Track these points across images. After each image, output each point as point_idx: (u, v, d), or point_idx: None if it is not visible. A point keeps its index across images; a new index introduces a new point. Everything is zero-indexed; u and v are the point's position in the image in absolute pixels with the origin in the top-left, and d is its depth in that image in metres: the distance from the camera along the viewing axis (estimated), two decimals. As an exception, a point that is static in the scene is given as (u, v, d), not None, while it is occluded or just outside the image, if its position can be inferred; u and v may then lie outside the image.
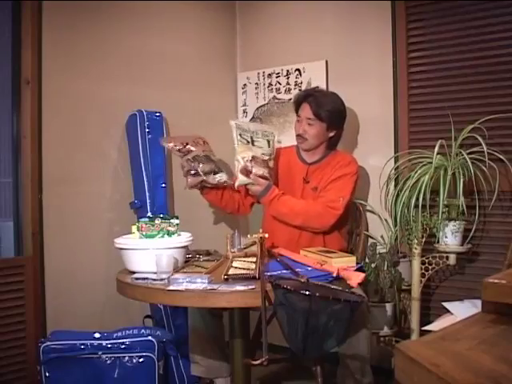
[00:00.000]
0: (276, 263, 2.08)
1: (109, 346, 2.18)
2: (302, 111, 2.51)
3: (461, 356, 0.93)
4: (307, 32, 3.14)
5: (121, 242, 2.05)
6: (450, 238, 2.42)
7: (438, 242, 2.46)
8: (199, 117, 3.21)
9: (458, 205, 2.36)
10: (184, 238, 2.07)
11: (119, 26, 2.85)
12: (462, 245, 2.44)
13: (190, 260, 2.20)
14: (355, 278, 1.85)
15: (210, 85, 3.30)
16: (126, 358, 2.18)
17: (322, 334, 1.62)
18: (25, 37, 2.50)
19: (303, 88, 3.10)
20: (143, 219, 2.09)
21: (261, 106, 3.34)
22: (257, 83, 3.35)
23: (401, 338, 2.56)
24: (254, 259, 2.00)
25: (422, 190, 2.36)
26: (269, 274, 1.82)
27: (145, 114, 2.80)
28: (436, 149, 2.42)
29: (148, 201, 2.76)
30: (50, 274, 2.57)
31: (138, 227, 2.06)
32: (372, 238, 2.82)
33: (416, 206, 2.39)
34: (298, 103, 2.56)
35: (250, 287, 1.75)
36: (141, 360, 2.19)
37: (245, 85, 3.41)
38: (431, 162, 2.41)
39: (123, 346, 2.19)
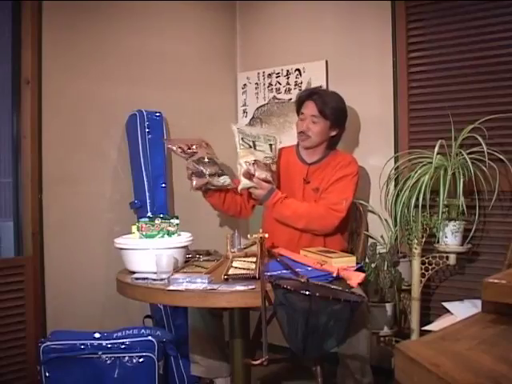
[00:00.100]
0: (276, 263, 2.08)
1: (109, 345, 2.18)
2: (305, 109, 2.51)
3: (461, 356, 0.93)
4: (307, 32, 3.14)
5: (121, 241, 2.05)
6: (450, 238, 2.42)
7: (438, 241, 2.46)
8: (199, 117, 3.21)
9: (458, 205, 2.36)
10: (184, 238, 2.07)
11: (119, 26, 2.85)
12: (462, 245, 2.44)
13: (190, 260, 2.20)
14: (355, 278, 1.85)
15: (210, 85, 3.30)
16: (126, 357, 2.19)
17: (322, 334, 1.62)
18: (25, 37, 2.50)
19: (303, 88, 3.10)
20: (143, 219, 2.09)
21: (261, 106, 3.34)
22: (257, 83, 3.35)
23: (401, 337, 2.56)
24: (254, 259, 2.00)
25: (422, 190, 2.36)
26: (269, 273, 1.82)
27: (145, 113, 2.80)
28: (436, 149, 2.42)
29: (148, 201, 2.76)
30: (50, 274, 2.57)
31: (138, 227, 2.06)
32: (372, 237, 2.82)
33: (416, 206, 2.39)
34: (300, 101, 2.56)
35: (250, 287, 1.75)
36: (141, 360, 2.19)
37: (245, 85, 3.41)
38: (431, 162, 2.41)
39: (123, 346, 2.19)
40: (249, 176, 2.34)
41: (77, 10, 2.66)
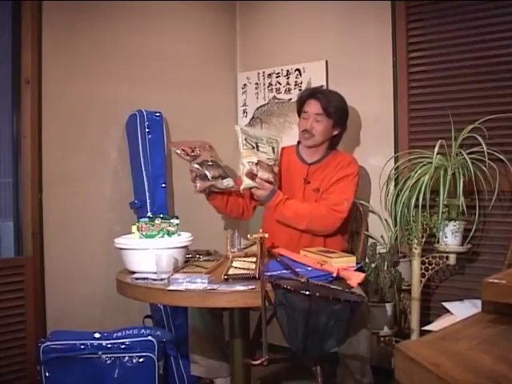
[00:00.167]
0: (276, 263, 2.07)
1: (109, 345, 2.18)
2: (308, 107, 2.51)
3: (461, 356, 0.93)
4: (307, 32, 3.14)
5: (121, 241, 2.05)
6: (450, 238, 2.42)
7: (438, 241, 2.46)
8: (199, 117, 3.21)
9: (458, 205, 2.36)
10: (184, 238, 2.07)
11: (119, 26, 2.85)
12: (462, 245, 2.44)
13: (190, 260, 2.20)
14: (355, 278, 1.85)
15: (210, 85, 3.30)
16: (126, 358, 2.19)
17: (322, 334, 1.62)
18: (25, 37, 2.50)
19: (303, 88, 3.10)
20: (143, 219, 2.09)
21: (261, 106, 3.34)
22: (257, 83, 3.35)
23: (401, 337, 2.56)
24: (254, 259, 2.00)
25: (422, 190, 2.36)
26: (269, 274, 1.82)
27: (145, 114, 2.80)
28: (436, 149, 2.42)
29: (148, 201, 2.76)
30: (49, 274, 2.57)
31: (138, 227, 2.06)
32: (372, 237, 2.82)
33: (416, 206, 2.39)
34: (302, 100, 2.56)
35: (250, 287, 1.75)
36: (141, 360, 2.19)
37: (245, 85, 3.41)
38: (431, 162, 2.41)
39: (123, 346, 2.19)
40: (251, 176, 2.34)
41: (77, 10, 2.66)
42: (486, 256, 2.56)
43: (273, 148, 2.48)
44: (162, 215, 2.13)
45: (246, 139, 2.41)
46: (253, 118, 3.38)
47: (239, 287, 1.76)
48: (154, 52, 2.99)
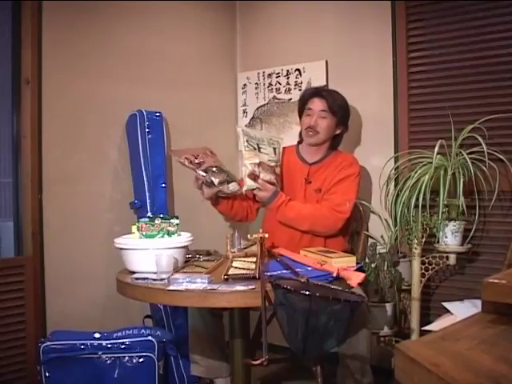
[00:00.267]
0: (276, 263, 2.07)
1: (109, 345, 2.18)
2: (312, 105, 2.51)
3: (461, 356, 0.93)
4: (307, 32, 3.14)
5: (121, 241, 2.05)
6: (450, 238, 2.42)
7: (438, 241, 2.46)
8: (199, 117, 3.21)
9: (458, 205, 2.36)
10: (184, 238, 2.07)
11: (119, 26, 2.85)
12: (462, 245, 2.44)
13: (190, 260, 2.20)
14: (355, 278, 1.85)
15: (210, 85, 3.30)
16: (126, 357, 2.19)
17: (322, 334, 1.62)
18: (25, 37, 2.50)
19: (303, 88, 3.10)
20: (143, 219, 2.09)
21: (261, 106, 3.34)
22: (257, 83, 3.35)
23: (401, 337, 2.56)
24: (254, 259, 2.00)
25: (422, 190, 2.36)
26: (269, 274, 1.82)
27: (145, 113, 2.80)
28: (436, 149, 2.42)
29: (148, 201, 2.76)
30: (50, 274, 2.57)
31: (138, 227, 2.06)
32: (372, 237, 2.82)
33: (416, 206, 2.39)
34: (305, 99, 2.57)
35: (250, 287, 1.75)
36: (141, 360, 2.19)
37: (245, 85, 3.41)
38: (431, 162, 2.41)
39: (123, 346, 2.19)
40: (253, 177, 2.34)
41: (77, 10, 2.66)
42: (486, 256, 2.56)
43: (274, 149, 2.48)
44: (162, 215, 2.13)
45: (247, 141, 2.41)
46: (253, 117, 3.38)
47: (239, 287, 1.75)
48: (154, 52, 2.99)
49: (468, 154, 2.38)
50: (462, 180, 2.34)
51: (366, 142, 2.94)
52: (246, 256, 2.12)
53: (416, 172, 2.43)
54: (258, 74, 3.34)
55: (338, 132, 2.56)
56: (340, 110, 2.50)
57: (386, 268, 2.51)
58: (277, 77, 3.26)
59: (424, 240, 2.48)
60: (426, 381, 0.88)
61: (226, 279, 1.84)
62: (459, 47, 2.62)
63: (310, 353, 1.70)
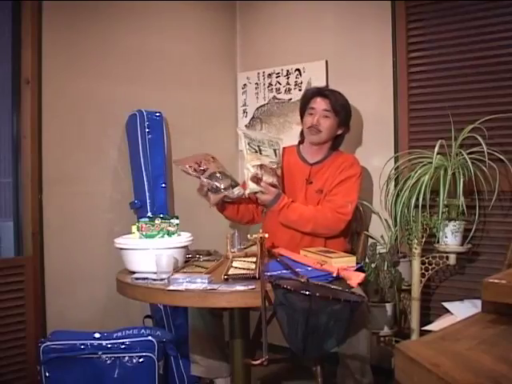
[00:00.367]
0: (276, 263, 2.07)
1: (109, 345, 2.19)
2: (315, 104, 2.51)
3: (461, 356, 0.93)
4: (307, 32, 3.14)
5: (121, 241, 2.05)
6: (450, 238, 2.42)
7: (438, 241, 2.46)
8: (199, 117, 3.22)
9: (458, 205, 2.36)
10: (184, 238, 2.07)
11: (119, 26, 2.85)
12: (462, 245, 2.44)
13: (190, 260, 2.20)
14: (355, 278, 1.85)
15: (209, 85, 3.30)
16: (126, 357, 2.19)
17: (322, 334, 1.62)
18: (25, 37, 2.50)
19: (303, 88, 3.10)
20: (143, 219, 2.09)
21: (261, 106, 3.34)
22: (257, 83, 3.35)
23: (401, 337, 2.56)
24: (254, 259, 2.00)
25: (422, 190, 2.36)
26: (269, 274, 1.82)
27: (145, 113, 2.80)
28: (436, 149, 2.42)
29: (148, 201, 2.76)
30: (49, 274, 2.57)
31: (138, 227, 2.06)
32: (372, 237, 2.82)
33: (416, 206, 2.39)
34: (308, 98, 2.56)
35: (250, 287, 1.75)
36: (141, 360, 2.19)
37: (245, 85, 3.41)
38: (431, 162, 2.41)
39: (123, 346, 2.19)
40: (256, 180, 2.34)
41: (77, 10, 2.66)
42: (486, 256, 2.56)
43: (274, 150, 2.48)
44: (162, 215, 2.13)
45: (249, 143, 2.41)
46: (253, 117, 3.38)
47: (239, 287, 1.75)
48: (154, 52, 2.99)
49: (468, 154, 2.38)
50: (461, 180, 2.34)
51: (366, 142, 2.94)
52: (246, 256, 2.12)
53: (416, 172, 2.43)
54: (258, 74, 3.34)
55: (339, 132, 2.56)
56: (342, 110, 2.51)
57: (386, 268, 2.51)
58: (277, 77, 3.26)
59: (424, 240, 2.48)
60: (426, 381, 0.88)
61: (226, 279, 1.84)
62: (459, 47, 2.62)
63: (310, 353, 1.70)
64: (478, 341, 1.00)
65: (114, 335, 2.23)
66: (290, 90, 3.20)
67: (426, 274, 2.50)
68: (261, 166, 2.35)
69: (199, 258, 2.26)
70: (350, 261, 2.08)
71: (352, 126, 2.65)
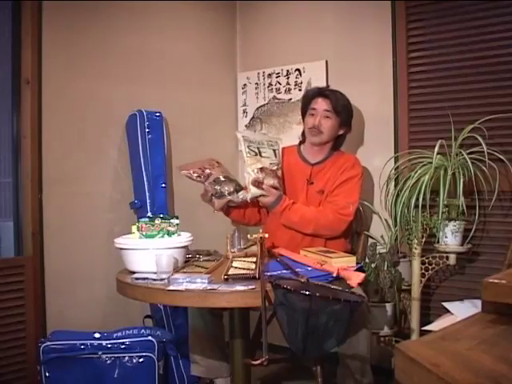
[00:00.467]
0: (276, 263, 2.07)
1: (109, 345, 2.18)
2: (316, 104, 2.50)
3: (461, 356, 0.93)
4: (307, 32, 3.14)
5: (121, 241, 2.05)
6: (450, 238, 2.42)
7: (438, 242, 2.46)
8: (199, 117, 3.22)
9: (458, 205, 2.36)
10: (184, 238, 2.07)
11: (119, 26, 2.85)
12: (462, 245, 2.44)
13: (190, 260, 2.20)
14: (355, 278, 1.85)
15: (209, 85, 3.30)
16: (126, 357, 2.19)
17: (322, 334, 1.62)
18: (25, 37, 2.50)
19: (303, 88, 3.10)
20: (143, 219, 2.08)
21: (261, 106, 3.34)
22: (257, 83, 3.35)
23: (401, 337, 2.56)
24: (254, 259, 2.00)
25: (422, 190, 2.36)
26: (269, 273, 1.82)
27: (145, 114, 2.80)
28: (436, 149, 2.42)
29: (148, 201, 2.76)
30: (49, 274, 2.57)
31: (138, 227, 2.06)
32: (372, 237, 2.82)
33: (416, 206, 2.39)
34: (309, 98, 2.55)
35: (250, 287, 1.75)
36: (141, 360, 2.19)
37: (245, 85, 3.41)
38: (431, 162, 2.41)
39: (123, 346, 2.19)
40: (257, 184, 2.33)
41: (77, 10, 2.66)
42: (486, 256, 2.56)
43: (274, 151, 2.48)
44: (162, 215, 2.13)
45: (248, 146, 2.41)
46: (253, 118, 3.38)
47: (239, 287, 1.75)
48: (154, 52, 2.99)
49: (468, 153, 2.38)
50: (461, 180, 2.34)
51: (366, 142, 2.94)
52: (246, 256, 2.12)
53: (416, 172, 2.43)
54: (258, 74, 3.34)
55: (341, 132, 2.56)
56: (343, 111, 2.50)
57: (386, 268, 2.51)
58: (277, 77, 3.26)
59: (424, 240, 2.47)
60: (426, 381, 0.88)
61: (226, 279, 1.84)
62: (459, 47, 2.62)
63: (310, 353, 1.70)
64: (478, 341, 1.00)
65: (114, 335, 2.23)
66: (290, 90, 3.20)
67: (426, 274, 2.50)
68: (261, 169, 2.35)
69: (199, 257, 2.26)
70: (350, 261, 2.08)
71: (352, 126, 2.65)
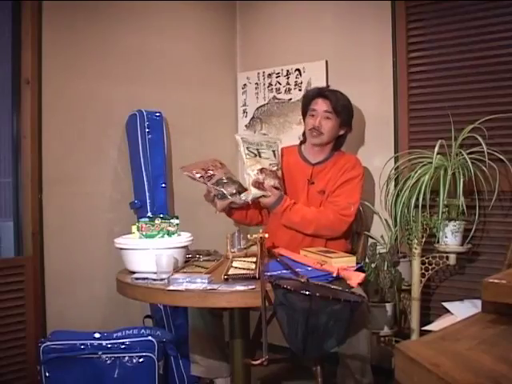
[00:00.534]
0: (276, 263, 2.07)
1: (109, 345, 2.19)
2: (316, 105, 2.50)
3: (461, 356, 0.93)
4: (307, 32, 3.14)
5: (121, 241, 2.05)
6: (450, 238, 2.42)
7: (438, 242, 2.46)
8: (199, 117, 3.22)
9: (458, 205, 2.36)
10: (184, 238, 2.07)
11: (119, 26, 2.85)
12: (462, 245, 2.44)
13: (190, 260, 2.20)
14: (355, 278, 1.85)
15: (209, 85, 3.30)
16: (126, 357, 2.19)
17: (322, 334, 1.62)
18: (25, 37, 2.50)
19: (303, 88, 3.10)
20: (143, 219, 2.09)
21: (261, 106, 3.34)
22: (257, 83, 3.35)
23: (401, 337, 2.56)
24: (254, 259, 2.00)
25: (422, 190, 2.36)
26: (269, 273, 1.82)
27: (145, 114, 2.80)
28: (436, 149, 2.42)
29: (148, 201, 2.76)
30: (49, 274, 2.57)
31: (138, 227, 2.06)
32: (372, 237, 2.82)
33: (416, 206, 2.39)
34: (309, 99, 2.55)
35: (250, 287, 1.75)
36: (141, 360, 2.19)
37: (245, 85, 3.41)
38: (431, 162, 2.41)
39: (123, 346, 2.19)
40: (257, 185, 2.33)
41: (77, 10, 2.66)
42: (486, 256, 2.56)
43: (273, 151, 2.48)
44: (162, 215, 2.13)
45: (247, 148, 2.41)
46: (253, 118, 3.38)
47: (239, 287, 1.75)
48: (154, 52, 2.99)
49: (468, 154, 2.38)
50: (461, 180, 2.34)
51: (366, 142, 2.94)
52: (246, 256, 2.12)
53: (416, 172, 2.43)
54: (258, 74, 3.34)
55: (341, 133, 2.55)
56: (344, 111, 2.50)
57: (386, 268, 2.51)
58: (277, 77, 3.26)
59: (424, 240, 2.47)
60: (426, 381, 0.88)
61: (226, 279, 1.84)
62: (459, 47, 2.62)
63: (310, 353, 1.70)
64: (478, 341, 1.00)
65: (114, 335, 2.23)
66: (290, 90, 3.20)
67: (426, 274, 2.50)
68: (261, 170, 2.35)
69: (199, 257, 2.26)
70: (350, 261, 2.08)
71: (352, 126, 2.65)
